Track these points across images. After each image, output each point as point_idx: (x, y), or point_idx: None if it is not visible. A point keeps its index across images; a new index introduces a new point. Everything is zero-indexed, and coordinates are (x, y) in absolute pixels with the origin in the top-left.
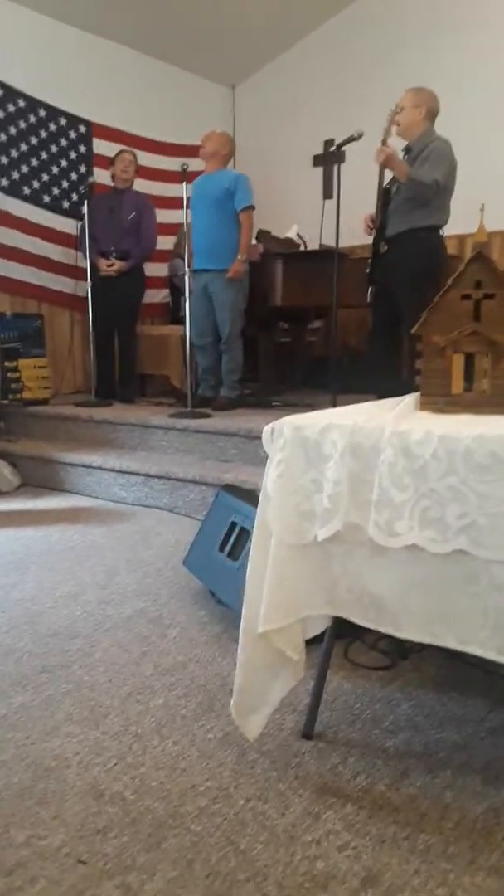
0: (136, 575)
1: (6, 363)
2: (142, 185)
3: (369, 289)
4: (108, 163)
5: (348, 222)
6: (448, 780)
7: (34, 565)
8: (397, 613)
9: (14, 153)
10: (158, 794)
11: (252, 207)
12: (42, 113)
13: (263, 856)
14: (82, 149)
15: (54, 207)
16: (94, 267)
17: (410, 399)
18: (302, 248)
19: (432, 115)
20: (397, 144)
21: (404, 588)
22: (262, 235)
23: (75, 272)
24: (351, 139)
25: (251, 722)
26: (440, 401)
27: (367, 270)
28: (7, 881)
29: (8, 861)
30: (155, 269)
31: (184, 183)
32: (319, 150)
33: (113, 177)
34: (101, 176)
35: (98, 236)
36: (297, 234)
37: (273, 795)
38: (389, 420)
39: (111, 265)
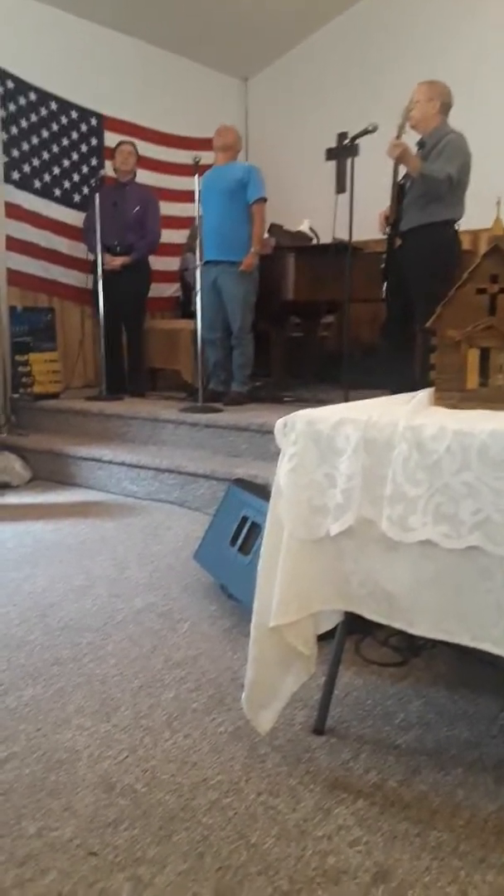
0: (147, 569)
1: (17, 357)
2: (153, 179)
3: (384, 283)
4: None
5: (361, 216)
6: (459, 777)
7: (45, 558)
8: (410, 609)
9: (26, 146)
10: (169, 787)
11: (264, 200)
12: (54, 106)
13: (274, 850)
14: (93, 142)
15: (65, 201)
16: (101, 261)
17: (424, 394)
18: (314, 241)
19: (446, 108)
20: (411, 138)
21: (417, 584)
22: (274, 229)
23: (86, 266)
24: (365, 132)
25: (262, 716)
26: (454, 396)
27: (382, 265)
28: (18, 872)
29: (19, 852)
30: (166, 263)
31: (195, 176)
32: (332, 143)
33: (115, 170)
34: (111, 169)
35: (102, 230)
36: (310, 228)
37: (284, 790)
38: (403, 415)
39: (114, 261)
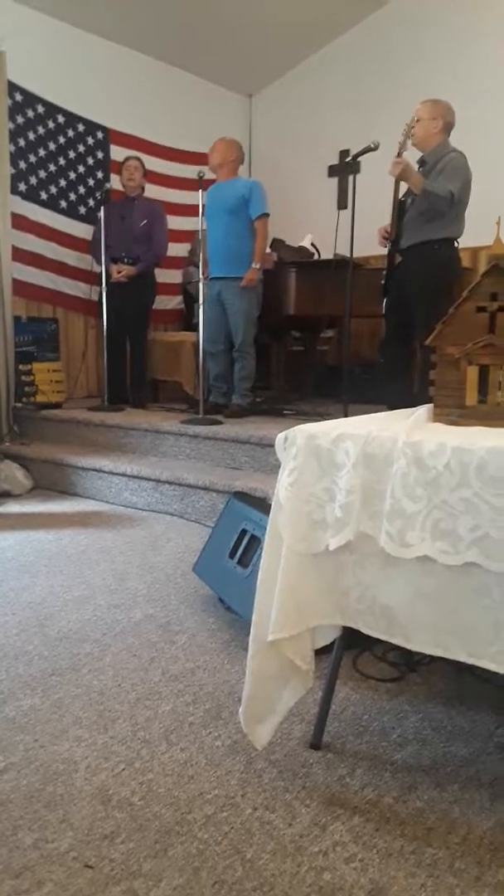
0: (146, 580)
1: (21, 367)
2: (157, 193)
3: (384, 300)
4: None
5: (363, 232)
6: (456, 794)
7: (45, 568)
8: (407, 625)
9: (32, 158)
10: (166, 801)
11: (267, 215)
12: (60, 119)
13: (270, 866)
14: (99, 155)
15: (71, 213)
16: (106, 273)
17: (423, 410)
18: (316, 257)
19: (448, 127)
20: (413, 156)
21: (415, 599)
22: (277, 244)
23: (90, 277)
24: (367, 150)
25: (259, 731)
26: (453, 412)
27: (382, 282)
28: (14, 884)
29: (15, 864)
30: (169, 276)
31: (200, 190)
32: (335, 160)
33: (123, 185)
34: (117, 182)
35: (110, 243)
36: (312, 244)
37: (280, 805)
38: (403, 430)
39: (120, 271)
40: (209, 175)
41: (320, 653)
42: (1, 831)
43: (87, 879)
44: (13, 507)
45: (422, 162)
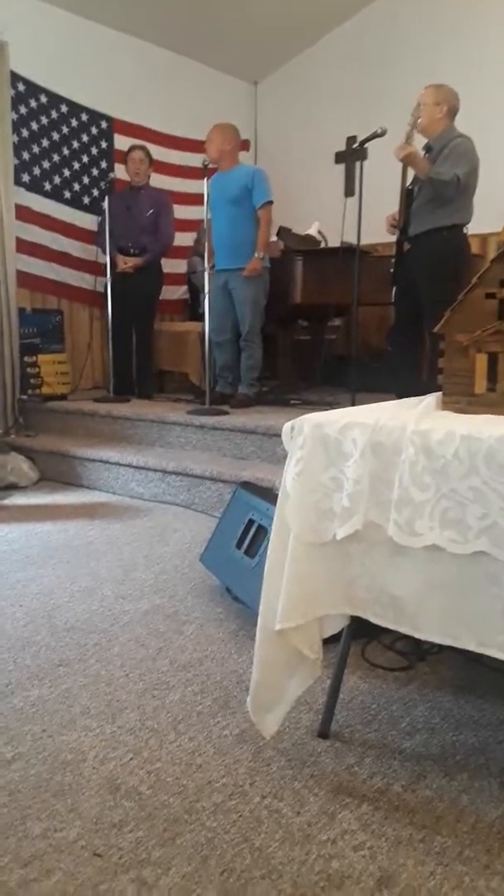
0: (153, 571)
1: (26, 358)
2: (162, 182)
3: (393, 287)
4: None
5: (370, 220)
6: (465, 783)
7: (52, 559)
8: (416, 614)
9: (36, 149)
10: (174, 790)
11: (271, 203)
12: (64, 108)
13: (279, 854)
14: (103, 144)
15: (75, 203)
16: (112, 263)
17: (432, 398)
18: (323, 245)
19: (453, 112)
20: (419, 143)
21: (423, 589)
22: (283, 232)
23: (95, 268)
24: (374, 136)
25: (267, 720)
26: (462, 400)
27: (391, 269)
28: (23, 872)
29: (24, 853)
30: (174, 266)
31: (205, 179)
32: (341, 146)
33: (130, 177)
34: (121, 171)
35: (116, 233)
36: (318, 232)
37: (289, 794)
38: (411, 419)
39: (127, 262)
40: (214, 163)
41: (328, 642)
42: (10, 820)
43: (95, 868)
44: (19, 499)
45: (428, 148)
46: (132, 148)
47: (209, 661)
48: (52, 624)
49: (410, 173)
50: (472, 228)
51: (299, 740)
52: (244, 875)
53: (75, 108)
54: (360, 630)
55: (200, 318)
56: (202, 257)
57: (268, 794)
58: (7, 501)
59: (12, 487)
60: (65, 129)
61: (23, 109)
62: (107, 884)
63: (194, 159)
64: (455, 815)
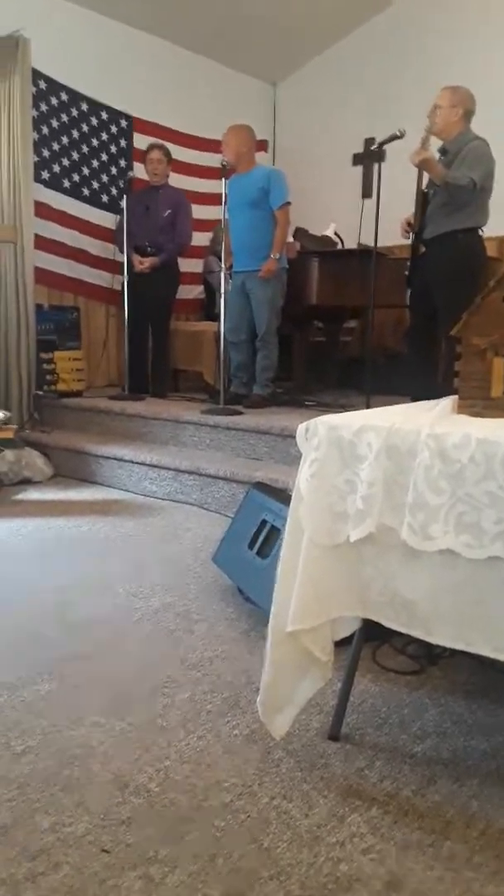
0: (165, 569)
1: (42, 355)
2: (180, 181)
3: (408, 290)
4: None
5: (387, 222)
6: (475, 789)
7: (65, 555)
8: (429, 618)
9: (56, 146)
10: (183, 788)
11: (288, 204)
12: (84, 107)
13: (287, 855)
14: (123, 143)
15: (93, 201)
16: (129, 262)
17: (447, 402)
18: (339, 246)
19: (469, 114)
20: (435, 145)
21: (437, 593)
22: (299, 233)
23: (112, 266)
24: (393, 137)
25: (277, 721)
26: (478, 404)
27: (406, 273)
28: (31, 866)
29: (33, 846)
30: (190, 266)
31: (223, 179)
32: (359, 148)
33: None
34: (140, 170)
35: (134, 232)
36: (335, 233)
37: (297, 795)
38: (426, 422)
39: (143, 263)
40: (231, 165)
41: (339, 644)
42: (19, 814)
43: (103, 863)
44: (34, 494)
45: (444, 151)
46: (151, 147)
47: (219, 661)
48: (63, 619)
49: (426, 176)
50: (488, 231)
51: (309, 742)
52: (251, 875)
53: (95, 106)
54: (372, 633)
55: (216, 317)
56: (218, 257)
57: (276, 795)
58: (21, 496)
59: (27, 482)
60: (84, 127)
61: (43, 106)
62: (114, 880)
63: (212, 159)
64: (465, 821)
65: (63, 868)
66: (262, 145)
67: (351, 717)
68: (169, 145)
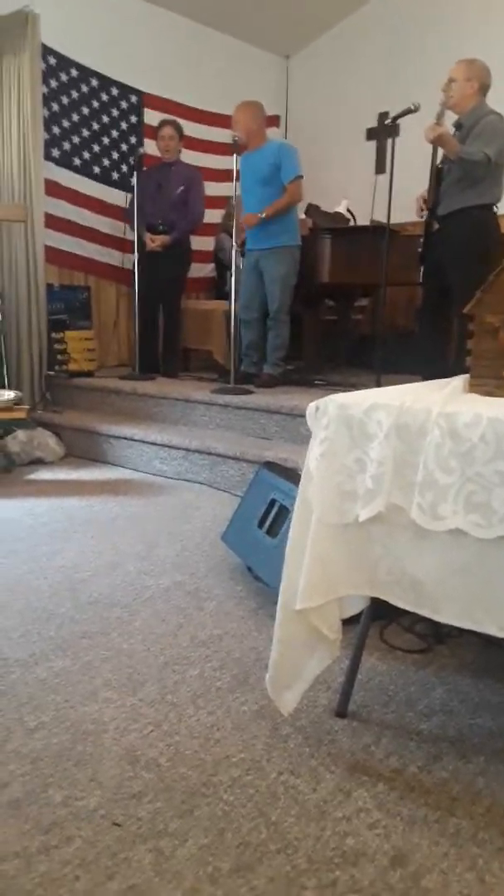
0: (175, 547)
1: (53, 335)
2: (191, 157)
3: (421, 267)
4: (155, 134)
5: (400, 198)
6: (481, 766)
7: (76, 534)
8: (437, 597)
9: (66, 123)
10: (192, 763)
11: (300, 177)
12: (94, 82)
13: (294, 829)
14: (133, 119)
15: (104, 179)
16: (140, 240)
17: (459, 381)
18: (351, 223)
19: (485, 88)
20: (450, 119)
21: (445, 572)
22: (311, 209)
23: (123, 245)
24: (408, 111)
25: (285, 697)
26: (490, 383)
27: (420, 249)
28: (44, 839)
29: (45, 820)
30: (201, 244)
31: (234, 155)
32: (373, 123)
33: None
34: (151, 147)
35: (146, 210)
36: (348, 209)
37: (305, 770)
38: (437, 401)
39: (154, 241)
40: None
41: (347, 622)
42: (32, 788)
43: (114, 837)
44: (45, 474)
45: (458, 125)
46: (162, 124)
47: (229, 638)
48: (75, 597)
49: (440, 151)
50: (502, 208)
51: (317, 718)
52: (260, 849)
53: (105, 82)
54: (380, 611)
55: (227, 296)
56: (230, 234)
57: (284, 771)
58: (33, 476)
59: (39, 462)
60: (95, 104)
61: (53, 83)
62: (125, 853)
63: (224, 135)
64: (470, 798)
65: (75, 841)
66: (273, 121)
67: (358, 694)
68: (180, 121)
